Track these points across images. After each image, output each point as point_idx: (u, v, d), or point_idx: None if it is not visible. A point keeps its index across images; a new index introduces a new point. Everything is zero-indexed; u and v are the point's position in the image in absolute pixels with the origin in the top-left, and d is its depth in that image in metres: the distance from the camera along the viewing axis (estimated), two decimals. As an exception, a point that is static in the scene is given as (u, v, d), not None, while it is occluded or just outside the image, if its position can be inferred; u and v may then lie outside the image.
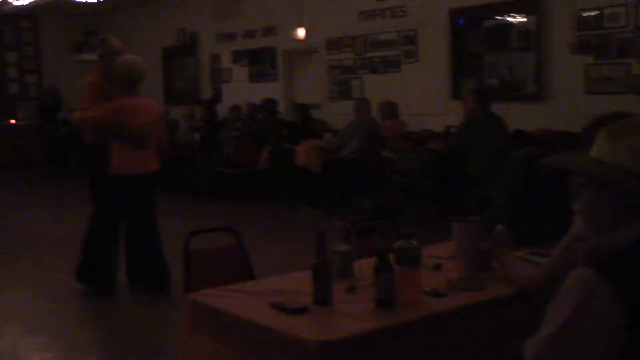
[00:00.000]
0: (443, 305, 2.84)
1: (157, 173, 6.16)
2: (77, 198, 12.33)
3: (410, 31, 10.56)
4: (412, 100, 10.23)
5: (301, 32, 12.09)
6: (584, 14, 8.66)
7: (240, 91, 13.39)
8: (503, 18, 9.74)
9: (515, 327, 2.86)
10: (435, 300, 2.88)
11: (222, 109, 12.86)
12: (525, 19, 9.48)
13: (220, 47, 14.01)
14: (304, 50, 12.47)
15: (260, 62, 13.27)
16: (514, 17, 9.62)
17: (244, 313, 2.80)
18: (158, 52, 15.11)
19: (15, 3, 13.41)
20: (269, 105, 11.70)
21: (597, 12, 8.56)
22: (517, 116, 8.62)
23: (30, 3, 13.26)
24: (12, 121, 16.62)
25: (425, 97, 10.28)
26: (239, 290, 3.08)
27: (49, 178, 15.01)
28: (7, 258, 8.02)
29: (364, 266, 3.12)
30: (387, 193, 9.19)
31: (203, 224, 5.79)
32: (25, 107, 17.25)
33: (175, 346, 3.12)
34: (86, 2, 12.99)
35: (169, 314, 5.55)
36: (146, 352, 5.05)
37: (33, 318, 5.88)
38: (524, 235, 3.36)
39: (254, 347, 2.71)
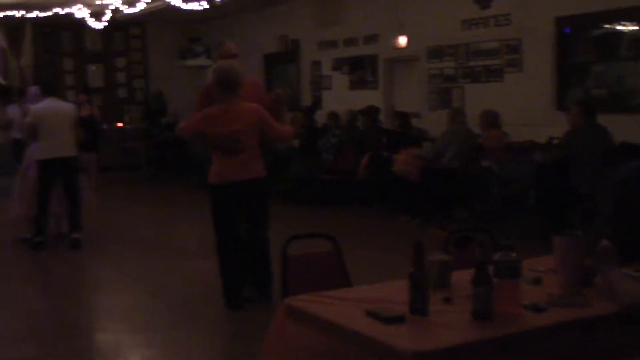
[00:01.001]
0: (542, 320, 2.77)
1: (259, 179, 5.95)
2: (179, 201, 12.71)
3: (514, 40, 10.37)
4: (515, 110, 10.03)
5: (402, 40, 12.05)
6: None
7: (340, 98, 13.43)
8: (612, 27, 9.44)
9: (616, 347, 2.76)
10: (535, 314, 2.81)
11: (321, 116, 12.94)
12: (636, 27, 9.15)
13: (321, 54, 14.10)
14: (405, 58, 12.41)
15: (360, 70, 13.28)
16: (624, 25, 9.31)
17: (339, 320, 2.80)
18: (260, 59, 15.34)
19: (126, 11, 13.88)
20: (371, 112, 11.69)
21: None
22: (626, 128, 8.33)
23: (140, 11, 13.70)
24: (120, 124, 17.21)
25: (528, 107, 10.07)
26: (335, 297, 3.08)
27: (152, 181, 15.46)
28: (112, 258, 8.29)
29: (462, 277, 3.08)
30: (487, 204, 9.04)
31: (300, 230, 5.80)
32: (132, 111, 17.85)
33: (262, 349, 3.14)
34: (192, 10, 13.30)
35: (269, 318, 5.60)
36: (247, 355, 5.11)
37: (135, 316, 6.05)
38: (631, 251, 3.24)
39: (347, 354, 2.70)
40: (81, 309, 6.41)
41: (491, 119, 9.67)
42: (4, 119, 11.49)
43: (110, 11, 14.07)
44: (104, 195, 13.12)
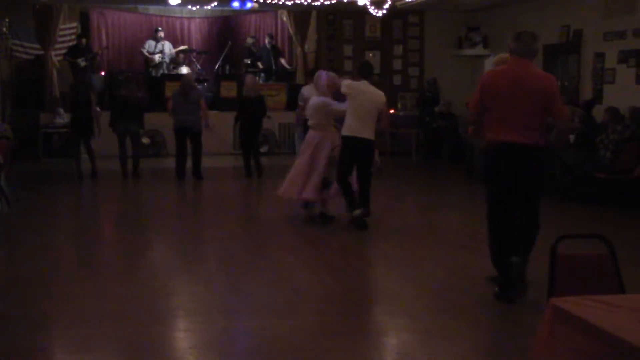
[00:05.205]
0: None
1: None
2: (448, 190, 12.72)
3: None
4: None
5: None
6: None
7: (623, 93, 12.63)
8: None
9: None
10: None
11: (598, 111, 12.24)
12: None
13: (606, 46, 13.33)
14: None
15: (649, 63, 12.38)
16: None
17: (610, 327, 2.62)
18: (539, 50, 14.83)
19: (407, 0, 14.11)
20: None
21: None
22: None
23: (419, -1, 13.87)
24: (391, 111, 17.52)
25: None
26: (607, 303, 2.90)
27: (422, 168, 15.62)
28: (379, 241, 8.50)
29: None
30: None
31: (573, 229, 5.55)
32: (405, 98, 18.10)
33: (533, 349, 3.02)
34: (471, -2, 13.21)
35: (531, 315, 5.44)
36: (507, 351, 4.99)
37: (398, 300, 6.13)
38: None
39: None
40: (348, 287, 6.61)
41: None
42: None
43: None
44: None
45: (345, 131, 8.72)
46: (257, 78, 14.85)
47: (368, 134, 8.64)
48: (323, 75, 9.22)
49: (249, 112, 13.03)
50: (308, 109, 9.37)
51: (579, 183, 10.72)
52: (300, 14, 17.45)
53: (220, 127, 14.98)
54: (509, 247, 5.94)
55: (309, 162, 8.97)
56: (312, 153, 8.98)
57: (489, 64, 17.21)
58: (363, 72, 8.90)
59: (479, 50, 17.36)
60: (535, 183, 5.96)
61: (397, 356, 4.99)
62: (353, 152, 8.69)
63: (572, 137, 11.43)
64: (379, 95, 8.75)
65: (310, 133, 9.15)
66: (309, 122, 9.28)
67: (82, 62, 16.22)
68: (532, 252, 5.94)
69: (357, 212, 8.72)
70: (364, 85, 8.73)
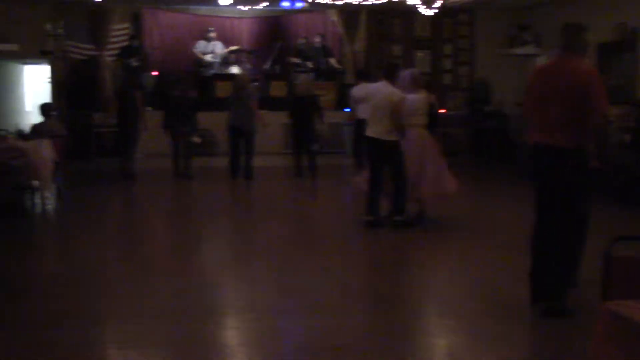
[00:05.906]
0: None
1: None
2: (498, 189, 12.60)
3: None
4: None
5: None
6: None
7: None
8: None
9: None
10: None
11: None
12: None
13: (662, 44, 13.05)
14: None
15: None
16: None
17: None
18: (593, 48, 14.56)
19: (456, -2, 13.99)
20: None
21: None
22: None
23: (470, -3, 13.73)
24: (442, 111, 17.39)
25: None
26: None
27: (471, 167, 15.48)
28: (430, 241, 8.45)
29: None
30: None
31: (626, 231, 5.45)
32: (455, 98, 17.95)
33: (587, 353, 2.97)
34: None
35: (580, 318, 5.35)
36: (560, 357, 4.91)
37: (445, 301, 6.09)
38: None
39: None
40: (396, 287, 6.58)
41: None
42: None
43: (441, -2, 14.26)
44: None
45: (367, 131, 8.78)
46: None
47: (385, 134, 8.53)
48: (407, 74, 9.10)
49: (302, 111, 13.06)
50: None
51: (634, 184, 10.50)
52: (349, 14, 17.42)
53: (269, 126, 15.03)
54: (545, 257, 5.64)
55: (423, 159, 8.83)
56: (421, 153, 8.80)
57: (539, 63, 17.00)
58: (384, 72, 8.82)
59: (529, 49, 17.12)
60: (570, 189, 5.49)
61: (445, 358, 4.95)
62: (373, 153, 8.68)
63: (627, 137, 11.22)
64: (392, 95, 8.53)
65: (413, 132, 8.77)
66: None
67: (134, 63, 16.43)
68: (572, 263, 5.64)
69: (398, 218, 8.70)
70: (380, 86, 8.67)
